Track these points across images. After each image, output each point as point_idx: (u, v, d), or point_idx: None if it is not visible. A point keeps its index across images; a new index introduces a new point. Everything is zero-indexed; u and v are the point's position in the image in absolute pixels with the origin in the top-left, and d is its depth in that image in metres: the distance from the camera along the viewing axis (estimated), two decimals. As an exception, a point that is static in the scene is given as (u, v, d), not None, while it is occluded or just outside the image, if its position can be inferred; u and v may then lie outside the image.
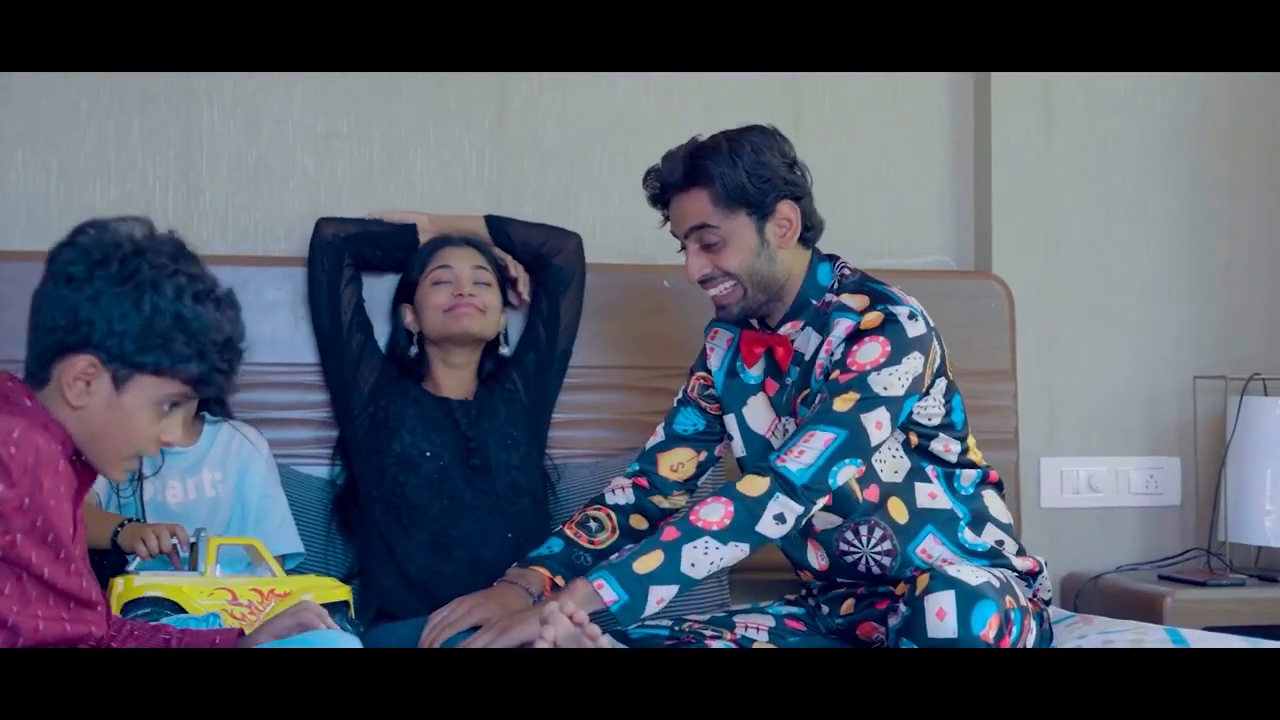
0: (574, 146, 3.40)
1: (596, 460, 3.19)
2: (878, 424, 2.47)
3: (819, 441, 2.44)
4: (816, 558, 2.63)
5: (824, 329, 2.56)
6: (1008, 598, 2.38)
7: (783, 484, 2.43)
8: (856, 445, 2.45)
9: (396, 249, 3.03)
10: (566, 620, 2.20)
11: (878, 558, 2.57)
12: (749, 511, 2.42)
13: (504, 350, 3.05)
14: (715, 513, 2.42)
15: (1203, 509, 3.56)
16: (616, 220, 3.39)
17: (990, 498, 2.66)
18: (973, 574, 2.38)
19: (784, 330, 2.62)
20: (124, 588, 2.37)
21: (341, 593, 2.52)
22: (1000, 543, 2.62)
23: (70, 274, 1.85)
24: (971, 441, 2.66)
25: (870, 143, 3.55)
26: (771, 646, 2.67)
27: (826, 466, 2.44)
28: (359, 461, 2.93)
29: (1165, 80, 3.61)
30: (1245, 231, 3.67)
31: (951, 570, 2.38)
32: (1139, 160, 3.62)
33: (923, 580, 2.37)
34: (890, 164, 3.57)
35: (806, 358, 2.58)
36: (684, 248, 2.62)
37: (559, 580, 2.61)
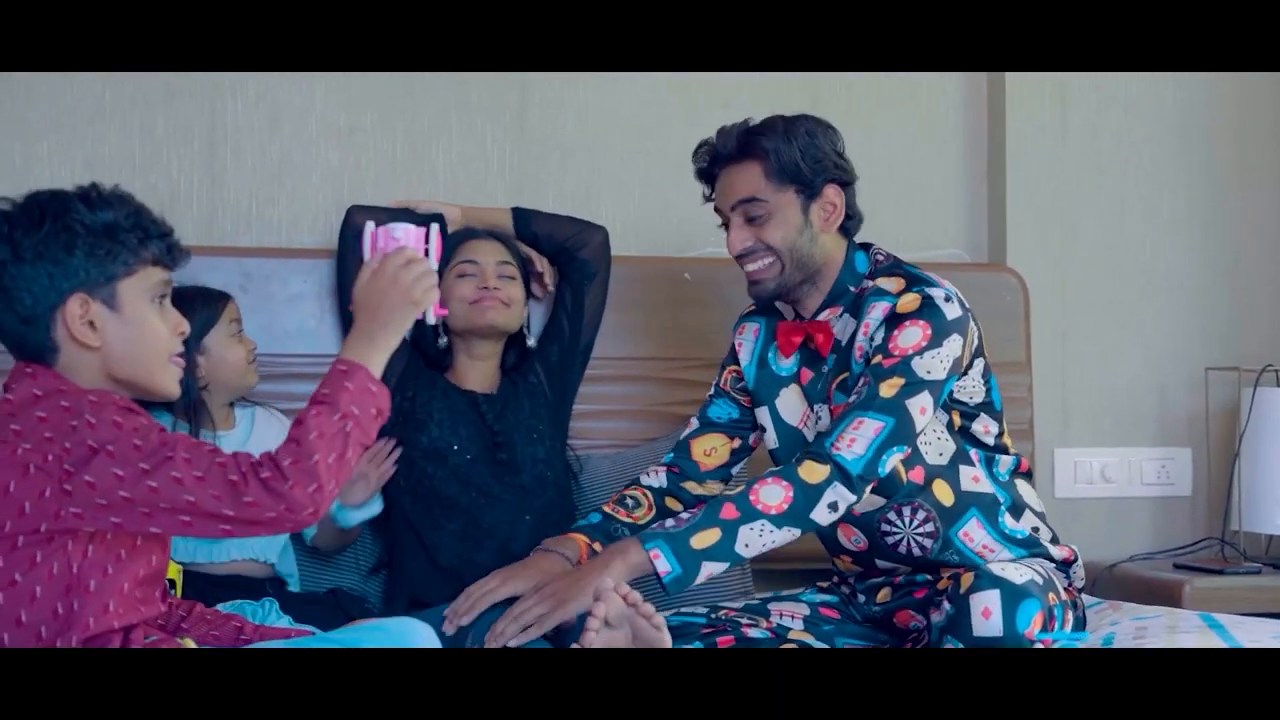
0: (595, 140, 3.43)
1: (618, 451, 3.22)
2: (921, 409, 2.50)
3: (869, 429, 2.47)
4: (850, 540, 2.66)
5: (860, 313, 2.60)
6: (1050, 594, 2.41)
7: (840, 473, 2.46)
8: (903, 432, 2.49)
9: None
10: (619, 599, 2.22)
11: (919, 539, 2.60)
12: (807, 498, 2.45)
13: (530, 342, 3.08)
14: (774, 496, 2.45)
15: (1215, 499, 3.60)
16: (637, 213, 3.42)
17: (1023, 486, 2.69)
18: (1017, 571, 2.39)
19: (823, 317, 2.65)
20: None
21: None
22: (1036, 529, 2.66)
23: (21, 253, 1.89)
24: (1005, 427, 2.70)
25: (886, 137, 3.58)
26: (808, 636, 2.68)
27: (877, 455, 2.47)
28: (387, 453, 2.95)
29: (1177, 77, 3.66)
30: (1257, 224, 3.71)
31: (996, 568, 2.39)
32: (1152, 154, 3.66)
33: (967, 578, 2.39)
34: (905, 158, 3.60)
35: (844, 343, 2.61)
36: (726, 223, 2.65)
37: (596, 546, 2.62)
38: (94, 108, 3.19)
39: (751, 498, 2.45)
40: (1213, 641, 2.43)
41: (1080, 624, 2.60)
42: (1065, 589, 2.55)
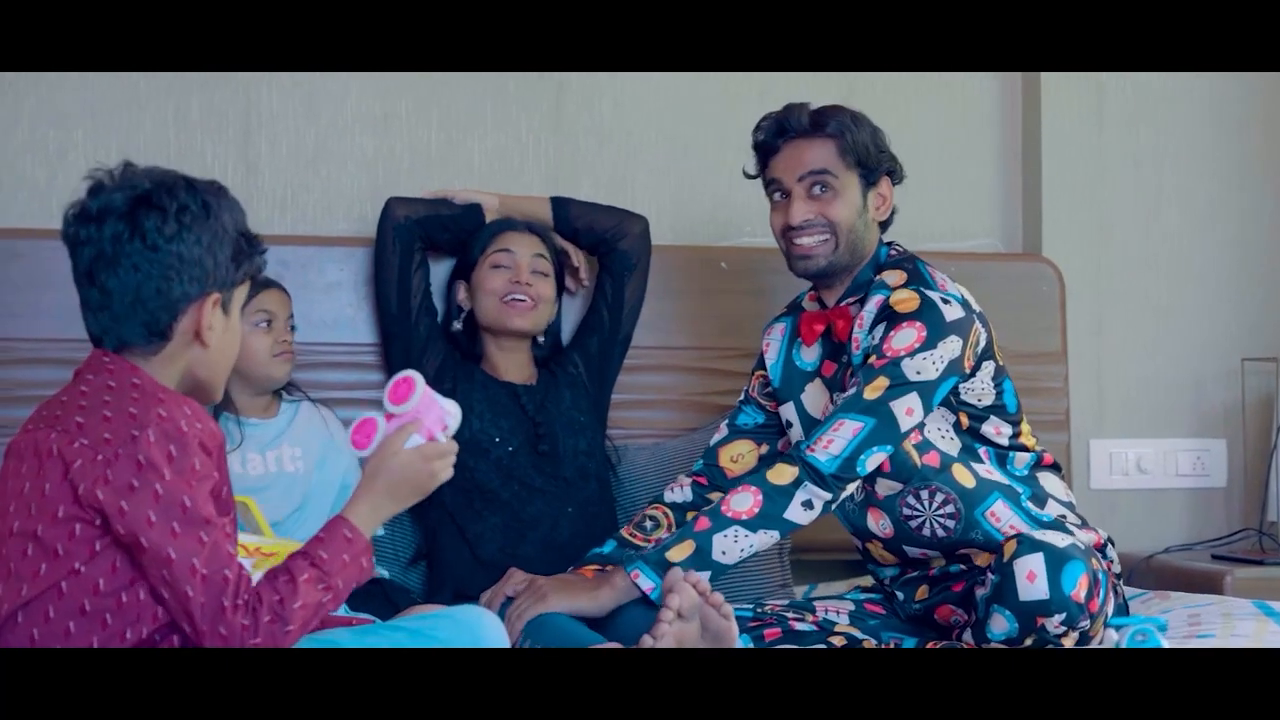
0: (631, 129, 3.42)
1: (656, 442, 3.20)
2: (908, 410, 2.51)
3: (847, 430, 2.49)
4: (878, 525, 2.65)
5: (864, 304, 2.63)
6: (1094, 560, 2.41)
7: (811, 473, 2.48)
8: (885, 433, 2.50)
9: (463, 231, 3.02)
10: (691, 590, 2.20)
11: (941, 520, 2.59)
12: (776, 500, 2.48)
13: (539, 339, 3.05)
14: (744, 502, 2.48)
15: (1251, 490, 3.59)
16: (673, 202, 3.40)
17: (1046, 478, 2.68)
18: (1059, 536, 2.41)
19: (845, 304, 2.67)
20: None
21: None
22: (1063, 516, 2.64)
23: (167, 233, 1.87)
24: (1025, 427, 2.69)
25: (920, 126, 3.56)
26: (854, 629, 2.68)
27: (854, 455, 2.48)
28: (425, 444, 2.93)
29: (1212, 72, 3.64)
30: (1293, 215, 3.70)
31: (1037, 534, 2.41)
32: (1187, 145, 3.65)
33: (1010, 546, 2.41)
34: (940, 147, 3.58)
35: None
36: (783, 196, 2.65)
37: None
38: (129, 95, 3.18)
39: (723, 507, 2.49)
40: (1270, 628, 2.41)
41: (1123, 610, 2.59)
42: (1107, 568, 2.54)
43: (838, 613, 2.71)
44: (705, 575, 2.40)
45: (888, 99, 3.52)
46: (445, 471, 2.02)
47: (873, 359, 2.53)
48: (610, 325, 3.07)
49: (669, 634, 2.15)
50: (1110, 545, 2.68)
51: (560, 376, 3.01)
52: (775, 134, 2.66)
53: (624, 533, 2.73)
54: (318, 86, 3.26)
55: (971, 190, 3.61)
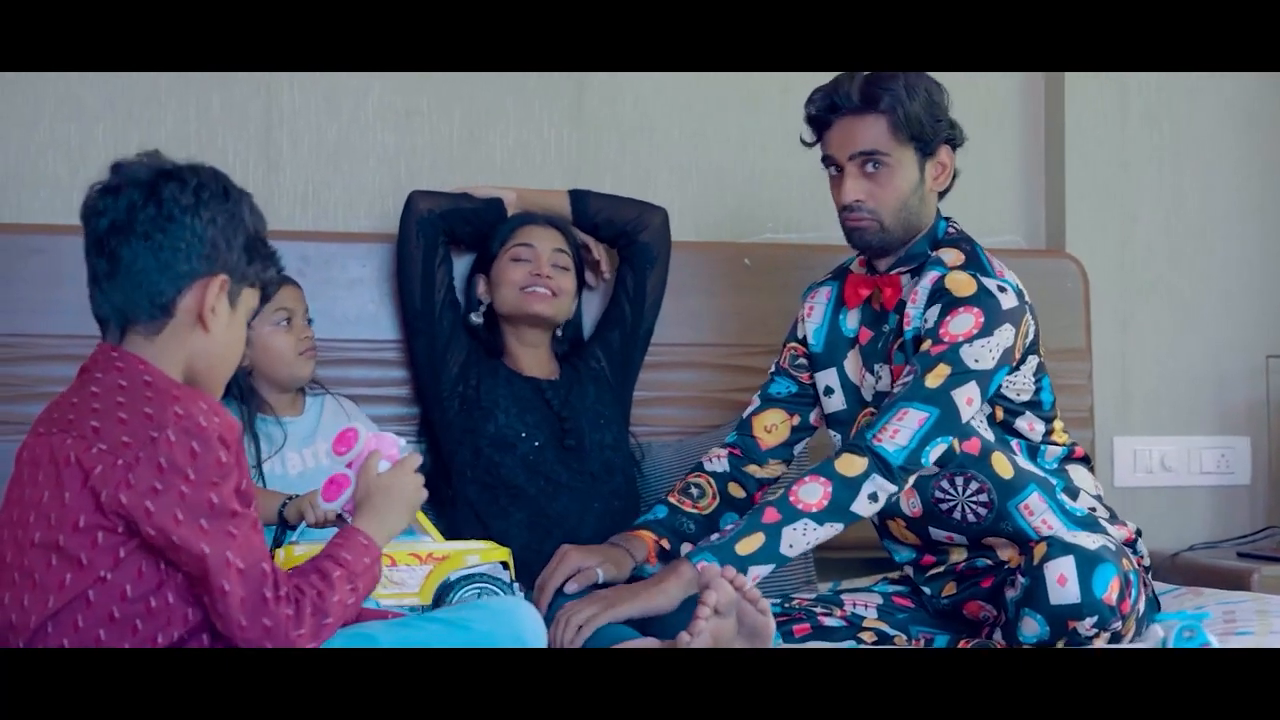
0: (653, 124, 3.40)
1: (680, 439, 3.18)
2: (968, 399, 2.47)
3: (913, 420, 2.44)
4: (907, 504, 2.62)
5: (919, 277, 2.58)
6: (1124, 560, 2.40)
7: (880, 464, 2.43)
8: (948, 422, 2.46)
9: (484, 225, 3.01)
10: (728, 586, 2.18)
11: (973, 506, 2.56)
12: (846, 492, 2.42)
13: (557, 332, 3.03)
14: (814, 494, 2.42)
15: (1275, 488, 3.58)
16: (696, 198, 3.39)
17: (1076, 471, 2.65)
18: (1089, 538, 2.39)
19: (895, 272, 2.63)
20: (285, 557, 2.35)
21: (502, 553, 2.45)
22: (1093, 509, 2.62)
23: (183, 204, 1.86)
24: (1059, 425, 2.66)
25: (944, 122, 3.54)
26: (883, 624, 2.67)
27: (920, 446, 2.44)
28: (450, 441, 2.91)
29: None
30: (1318, 211, 3.69)
31: (1068, 536, 2.39)
32: (1211, 141, 3.64)
33: (1040, 549, 2.38)
34: (964, 145, 3.54)
35: (905, 303, 2.60)
36: (838, 171, 2.60)
37: (664, 543, 2.63)
38: (150, 90, 3.16)
39: (791, 498, 2.43)
40: (1307, 626, 2.40)
41: (1154, 605, 2.57)
42: (1138, 565, 2.52)
43: (866, 606, 2.69)
44: (769, 568, 2.39)
45: None
46: (420, 480, 2.08)
47: (929, 344, 2.49)
48: (632, 318, 3.05)
49: (706, 630, 2.13)
50: (1139, 539, 2.66)
51: (583, 371, 2.99)
52: (827, 109, 2.60)
53: (671, 499, 2.69)
54: (339, 82, 3.24)
55: (995, 187, 3.60)
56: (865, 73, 2.59)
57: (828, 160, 2.63)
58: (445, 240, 2.98)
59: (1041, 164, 3.60)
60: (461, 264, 3.07)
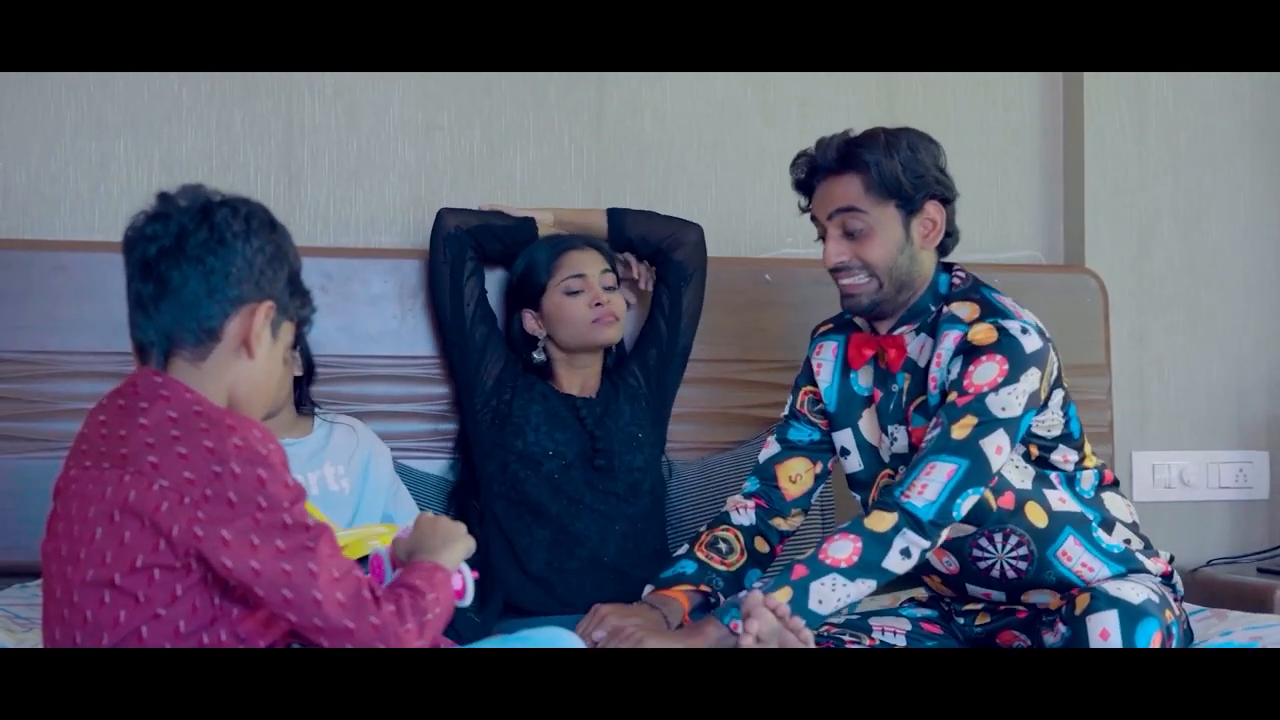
0: (672, 140, 3.40)
1: (702, 456, 3.18)
2: (998, 449, 2.43)
3: (941, 474, 2.40)
4: (943, 563, 2.59)
5: (935, 336, 2.53)
6: (1166, 611, 2.38)
7: (909, 520, 2.40)
8: (978, 473, 2.42)
9: (516, 244, 3.00)
10: (770, 615, 2.18)
11: (1013, 563, 2.53)
12: (876, 548, 2.39)
13: (612, 349, 3.03)
14: (843, 550, 2.40)
15: (1295, 503, 3.58)
16: (715, 213, 3.38)
17: (1110, 499, 2.63)
18: (1133, 590, 2.36)
19: (898, 333, 2.58)
20: None
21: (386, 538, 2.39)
22: (1129, 541, 2.60)
23: (234, 229, 1.86)
24: (1088, 449, 2.63)
25: (961, 136, 3.54)
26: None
27: (950, 499, 2.40)
28: (481, 455, 2.92)
29: (1255, 76, 3.63)
30: (1336, 226, 3.69)
31: (1111, 588, 2.36)
32: (1229, 154, 3.64)
33: (1083, 600, 2.36)
34: (980, 157, 3.57)
35: (920, 364, 2.55)
36: (823, 235, 2.58)
37: (689, 605, 2.58)
38: (171, 106, 3.16)
39: (820, 555, 2.40)
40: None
41: (1188, 637, 2.56)
42: (1175, 602, 2.51)
43: (894, 633, 2.67)
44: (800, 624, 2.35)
45: (929, 108, 3.51)
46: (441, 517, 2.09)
47: (954, 396, 2.44)
48: (668, 336, 3.04)
49: None
50: (1174, 568, 2.63)
51: (621, 390, 2.98)
52: (809, 173, 2.58)
53: (699, 554, 2.64)
54: (360, 96, 3.24)
55: (1013, 203, 3.60)
56: (849, 133, 2.56)
57: (815, 222, 2.60)
58: (473, 255, 2.98)
59: (1060, 179, 3.61)
60: (495, 277, 3.07)
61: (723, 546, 2.65)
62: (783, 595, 2.36)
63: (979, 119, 3.58)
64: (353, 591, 1.78)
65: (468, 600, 2.01)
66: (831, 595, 2.38)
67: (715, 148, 3.42)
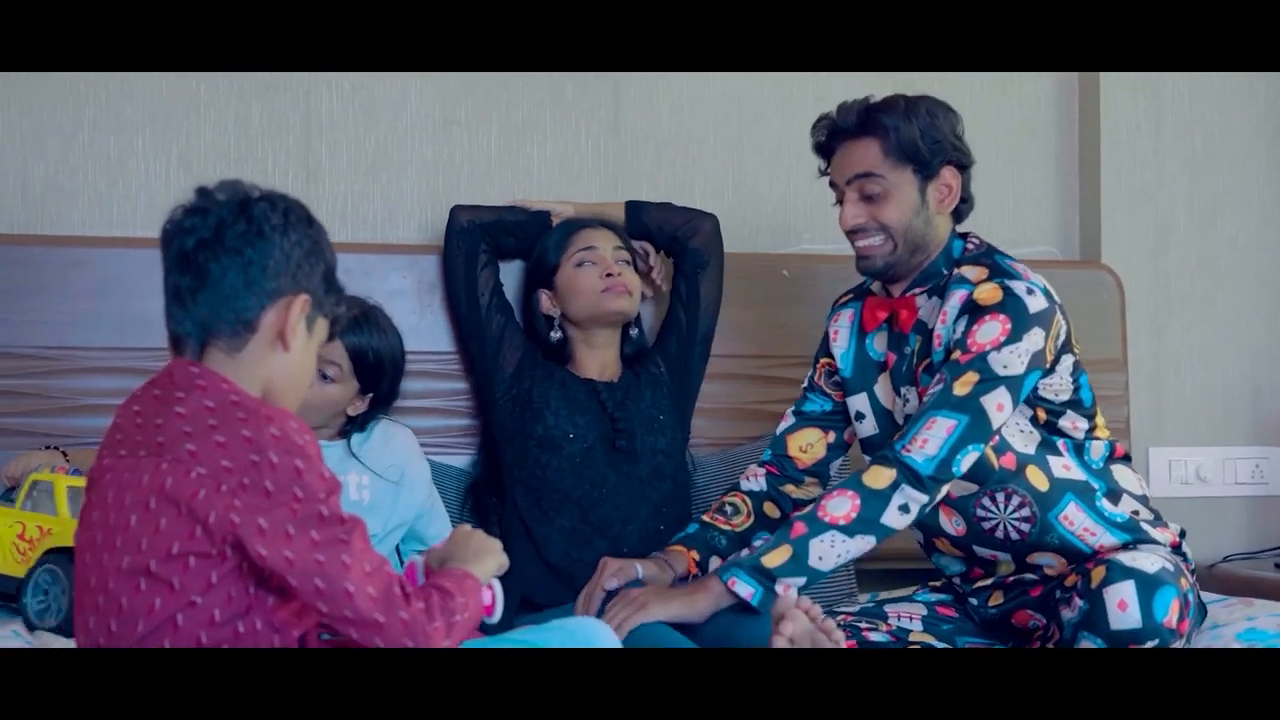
0: (689, 135, 3.40)
1: (723, 450, 3.18)
2: (999, 405, 2.45)
3: (941, 429, 2.43)
4: (951, 523, 2.61)
5: (943, 298, 2.57)
6: (1182, 579, 2.39)
7: (908, 474, 2.43)
8: (979, 429, 2.44)
9: (530, 237, 3.01)
10: (803, 617, 2.18)
11: (1015, 523, 2.55)
12: (874, 504, 2.42)
13: (632, 331, 3.04)
14: (841, 507, 2.43)
15: (1311, 499, 3.58)
16: (733, 209, 3.38)
17: (1120, 471, 2.64)
18: (1148, 560, 2.38)
19: (911, 294, 2.62)
20: None
21: None
22: (1136, 513, 2.61)
23: (273, 222, 1.86)
24: (1100, 420, 2.65)
25: (977, 132, 3.43)
26: (929, 637, 2.65)
27: (950, 455, 2.43)
28: (502, 444, 2.92)
29: (1270, 75, 3.63)
30: (1352, 220, 3.69)
31: (1126, 559, 2.38)
32: (1245, 150, 3.64)
33: (1098, 572, 2.37)
34: (996, 153, 3.56)
35: (929, 326, 2.59)
36: (840, 199, 2.63)
37: (695, 555, 2.64)
38: (189, 101, 3.16)
39: (819, 512, 2.43)
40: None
41: (1201, 610, 2.56)
42: (1189, 572, 2.52)
43: (910, 619, 2.68)
44: (801, 581, 2.38)
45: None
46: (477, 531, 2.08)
47: (957, 354, 2.48)
48: (688, 324, 3.05)
49: None
50: (1184, 540, 2.65)
51: (643, 376, 2.99)
52: (828, 135, 2.64)
53: (705, 517, 2.70)
54: (377, 92, 3.24)
55: (1029, 198, 3.60)
56: (870, 99, 2.62)
57: (833, 186, 2.65)
58: (486, 250, 2.99)
59: (1076, 175, 3.61)
60: (513, 269, 3.07)
61: (729, 509, 2.71)
62: (782, 554, 2.40)
63: (995, 115, 3.58)
64: (384, 586, 1.78)
65: (496, 616, 2.00)
66: (831, 552, 2.41)
67: (733, 143, 3.42)
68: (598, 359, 2.97)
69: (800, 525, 2.43)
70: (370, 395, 2.71)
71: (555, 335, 2.97)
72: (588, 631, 1.93)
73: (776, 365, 3.26)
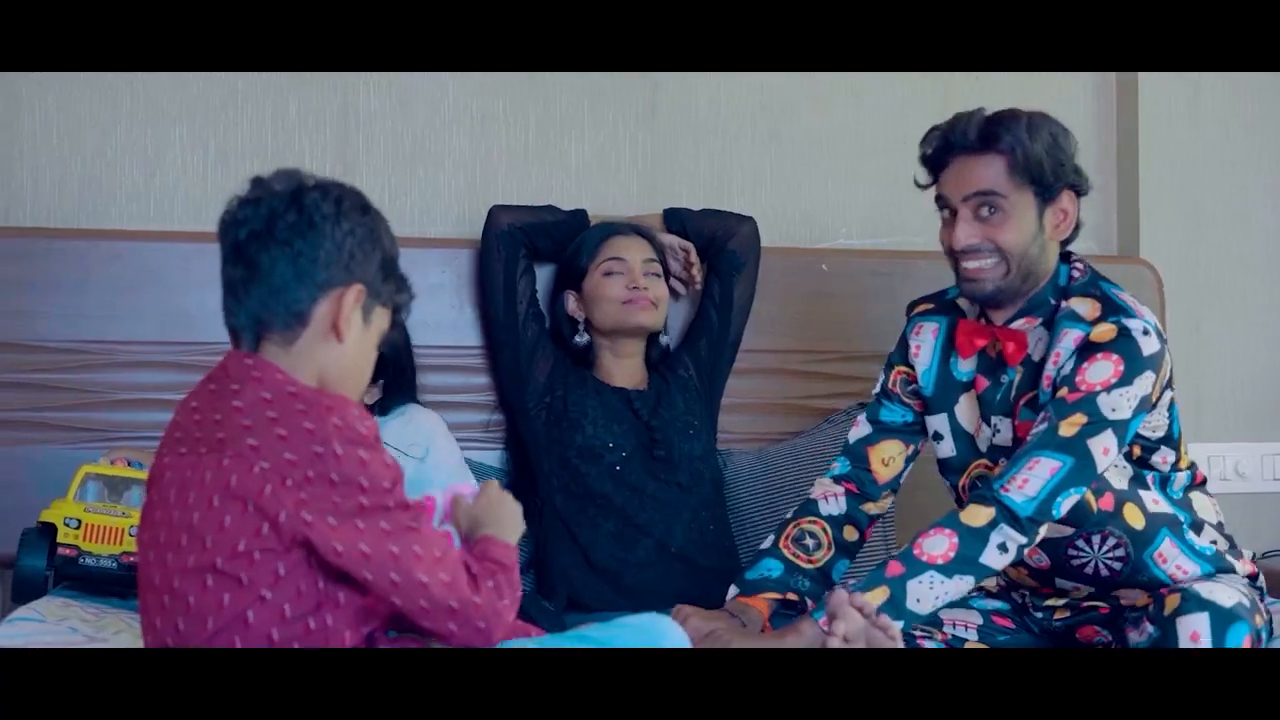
0: (727, 129, 3.38)
1: (759, 447, 3.16)
2: (1104, 449, 2.36)
3: (1044, 469, 2.34)
4: (1033, 559, 2.53)
5: (1053, 332, 2.45)
6: (1256, 616, 2.34)
7: (1007, 515, 2.34)
8: (1083, 473, 2.36)
9: (566, 238, 3.00)
10: (857, 615, 2.15)
11: (1108, 562, 2.48)
12: (973, 543, 2.33)
13: (664, 339, 3.03)
14: (939, 546, 2.34)
15: (1349, 495, 3.56)
16: (771, 203, 3.37)
17: (1198, 499, 2.57)
18: (1225, 593, 2.32)
19: (1017, 325, 2.50)
20: None
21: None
22: (1214, 542, 2.55)
23: (324, 212, 1.84)
24: (1183, 449, 2.57)
25: (1015, 127, 3.52)
26: (984, 647, 2.58)
27: (1051, 497, 2.34)
28: (537, 452, 2.90)
29: (1309, 66, 3.61)
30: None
31: (1203, 590, 2.33)
32: (1280, 144, 3.63)
33: (1173, 600, 2.32)
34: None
35: (1035, 359, 2.48)
36: (951, 214, 2.48)
37: (768, 609, 2.53)
38: (226, 94, 3.14)
39: (915, 551, 2.34)
40: None
41: (1271, 637, 2.53)
42: (1262, 603, 2.48)
43: (966, 627, 2.61)
44: (899, 625, 2.29)
45: (984, 97, 3.39)
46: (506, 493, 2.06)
47: (1064, 391, 2.37)
48: (719, 326, 3.03)
49: None
50: (1260, 572, 2.59)
51: (671, 380, 2.97)
52: (943, 148, 2.48)
53: (784, 551, 2.59)
54: (414, 86, 3.23)
55: (1067, 193, 3.58)
56: (985, 111, 2.48)
57: (941, 202, 2.50)
58: (526, 254, 2.97)
59: (1114, 170, 3.59)
60: (545, 273, 3.06)
61: (809, 542, 2.60)
62: (879, 594, 2.30)
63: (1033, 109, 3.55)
64: (455, 570, 1.78)
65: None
66: (929, 593, 2.32)
67: (770, 137, 3.40)
68: (624, 368, 2.96)
69: (896, 565, 2.34)
70: (380, 382, 2.73)
71: (580, 339, 2.96)
72: (658, 629, 1.90)
73: (813, 360, 3.25)
